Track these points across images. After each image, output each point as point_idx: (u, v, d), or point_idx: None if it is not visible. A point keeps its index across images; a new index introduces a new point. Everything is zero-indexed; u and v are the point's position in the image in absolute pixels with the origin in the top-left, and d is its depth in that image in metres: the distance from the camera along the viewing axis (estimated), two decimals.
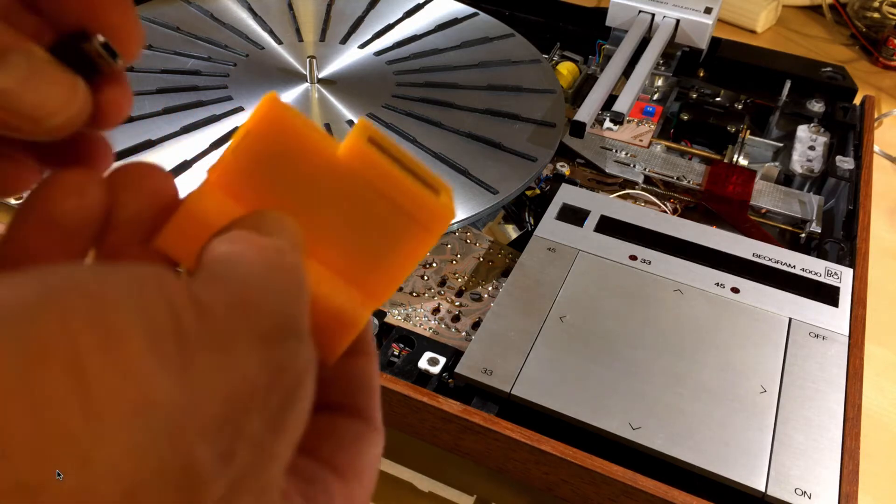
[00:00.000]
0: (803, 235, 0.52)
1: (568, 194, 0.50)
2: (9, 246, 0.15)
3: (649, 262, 0.45)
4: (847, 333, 0.42)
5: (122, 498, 0.10)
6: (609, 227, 0.48)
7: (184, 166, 0.51)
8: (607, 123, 0.60)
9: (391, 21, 0.69)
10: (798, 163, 0.57)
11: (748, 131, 0.59)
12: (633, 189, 0.55)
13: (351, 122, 0.57)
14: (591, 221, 0.48)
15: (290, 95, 0.59)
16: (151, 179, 0.16)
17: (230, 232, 0.15)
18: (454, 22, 0.70)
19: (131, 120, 0.54)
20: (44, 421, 0.10)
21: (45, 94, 0.15)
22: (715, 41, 0.67)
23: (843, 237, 0.50)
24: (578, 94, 0.65)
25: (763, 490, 0.35)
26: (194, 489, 0.11)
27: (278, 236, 0.15)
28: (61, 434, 0.10)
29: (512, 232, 0.53)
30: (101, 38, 0.16)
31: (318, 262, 0.17)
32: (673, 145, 0.59)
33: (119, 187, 0.16)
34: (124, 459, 0.10)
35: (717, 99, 0.63)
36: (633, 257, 0.46)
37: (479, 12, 0.71)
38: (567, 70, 0.66)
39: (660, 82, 0.65)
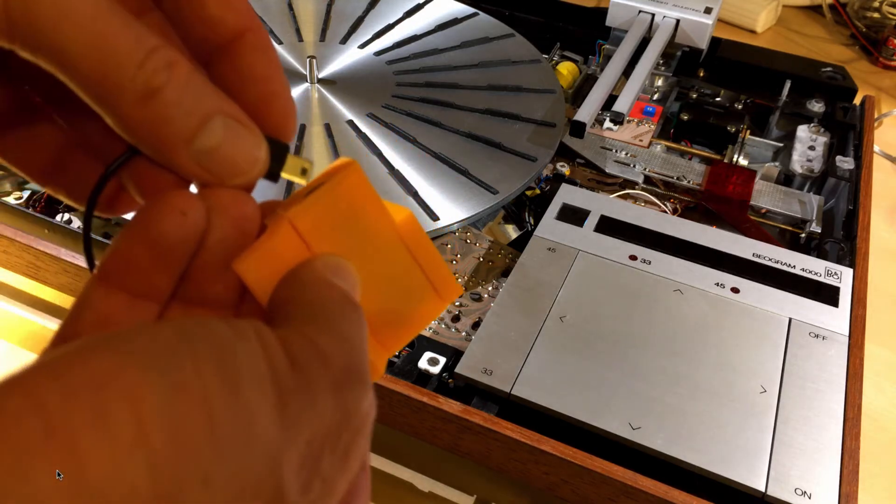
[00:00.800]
0: (803, 235, 0.52)
1: (568, 194, 0.50)
2: (113, 259, 0.17)
3: (649, 262, 0.45)
4: (847, 333, 0.42)
5: None
6: (609, 227, 0.48)
7: None
8: (607, 123, 0.60)
9: (391, 21, 0.69)
10: (798, 163, 0.57)
11: (748, 131, 0.59)
12: (633, 189, 0.55)
13: (351, 122, 0.57)
14: (591, 221, 0.48)
15: None
16: (242, 206, 0.18)
17: (309, 275, 0.17)
18: (454, 22, 0.70)
19: None
20: (180, 445, 0.12)
21: (236, 158, 0.17)
22: (715, 41, 0.67)
23: (843, 237, 0.50)
24: (578, 94, 0.65)
25: (763, 490, 0.35)
26: None
27: (344, 281, 0.17)
28: (193, 455, 0.12)
29: (512, 232, 0.53)
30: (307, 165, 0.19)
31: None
32: (673, 145, 0.59)
33: (217, 216, 0.17)
34: (234, 481, 0.12)
35: (717, 99, 0.63)
36: (633, 257, 0.46)
37: (479, 12, 0.71)
38: (567, 70, 0.66)
39: (660, 82, 0.65)
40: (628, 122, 0.61)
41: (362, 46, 0.66)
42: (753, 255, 0.46)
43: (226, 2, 0.18)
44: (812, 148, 0.58)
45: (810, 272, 0.46)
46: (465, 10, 0.71)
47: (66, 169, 0.20)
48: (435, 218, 0.49)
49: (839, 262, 0.48)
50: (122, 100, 0.16)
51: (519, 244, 0.50)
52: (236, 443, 0.13)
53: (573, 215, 0.49)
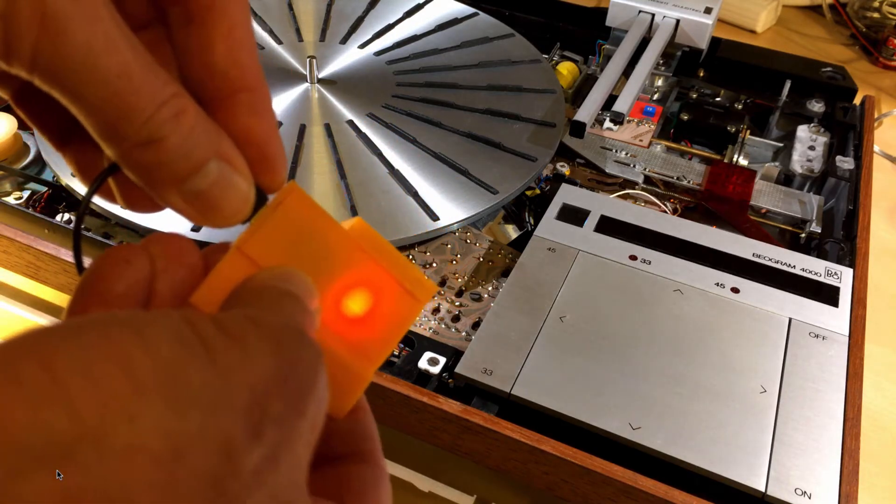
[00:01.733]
0: (803, 235, 0.52)
1: (568, 194, 0.50)
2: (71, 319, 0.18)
3: (649, 262, 0.45)
4: (847, 333, 0.42)
5: (171, 453, 0.13)
6: (609, 227, 0.48)
7: None
8: (607, 123, 0.60)
9: (391, 21, 0.69)
10: (798, 163, 0.57)
11: (748, 131, 0.59)
12: (633, 189, 0.55)
13: (351, 122, 0.57)
14: (591, 221, 0.48)
15: (290, 95, 0.59)
16: (187, 255, 0.19)
17: (251, 282, 0.18)
18: (454, 22, 0.70)
19: None
20: (98, 392, 0.13)
21: (223, 203, 0.18)
22: (715, 41, 0.67)
23: (843, 237, 0.50)
24: (578, 94, 0.65)
25: (763, 490, 0.35)
26: (231, 456, 0.14)
27: (294, 286, 0.18)
28: (114, 399, 0.13)
29: (512, 232, 0.53)
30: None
31: (325, 326, 0.20)
32: (673, 145, 0.59)
33: (160, 260, 0.18)
34: (167, 421, 0.13)
35: (717, 99, 0.63)
36: (633, 257, 0.46)
37: (479, 12, 0.71)
38: (567, 70, 0.66)
39: (660, 82, 0.65)
40: (628, 122, 0.61)
41: (362, 46, 0.66)
42: (753, 255, 0.46)
43: (234, 57, 0.19)
44: (812, 148, 0.58)
45: (810, 272, 0.46)
46: (465, 10, 0.71)
47: (76, 142, 0.20)
48: (435, 218, 0.49)
49: (839, 262, 0.48)
50: (126, 143, 0.17)
51: (519, 244, 0.50)
52: (163, 389, 0.13)
53: (573, 215, 0.49)
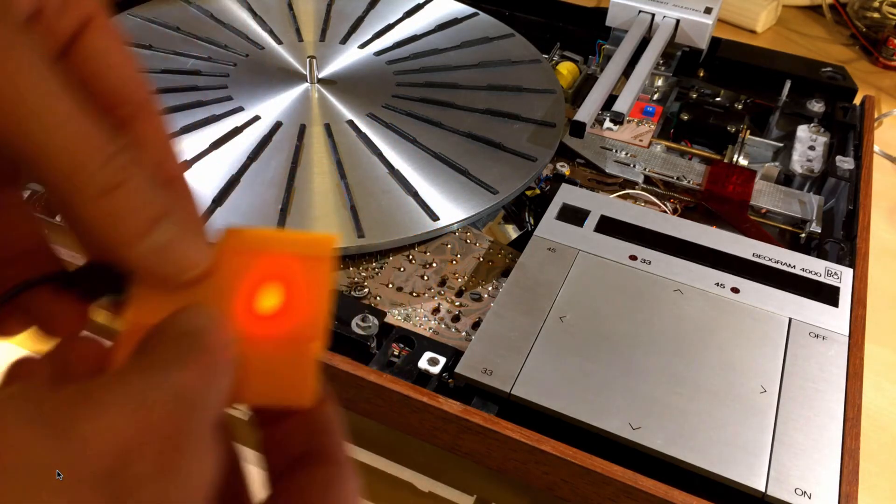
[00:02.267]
0: (803, 235, 0.52)
1: (568, 194, 0.50)
2: None
3: (649, 262, 0.45)
4: (847, 333, 0.42)
5: None
6: (609, 227, 0.48)
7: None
8: (607, 123, 0.60)
9: (391, 21, 0.69)
10: (798, 163, 0.57)
11: (748, 131, 0.59)
12: (633, 189, 0.55)
13: (351, 122, 0.57)
14: (591, 221, 0.48)
15: (290, 95, 0.59)
16: (92, 357, 0.19)
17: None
18: (454, 22, 0.70)
19: None
20: None
21: (183, 258, 0.18)
22: (715, 41, 0.67)
23: (843, 237, 0.50)
24: (578, 94, 0.65)
25: (763, 490, 0.35)
26: None
27: (199, 317, 0.18)
28: None
29: (512, 232, 0.53)
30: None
31: (250, 338, 0.19)
32: (673, 145, 0.59)
33: (67, 364, 0.18)
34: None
35: (717, 99, 0.63)
36: (633, 257, 0.46)
37: (479, 12, 0.71)
38: (567, 70, 0.66)
39: (660, 82, 0.65)
40: (628, 122, 0.61)
41: (362, 46, 0.66)
42: (753, 255, 0.46)
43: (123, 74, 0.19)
44: (812, 148, 0.58)
45: (810, 272, 0.46)
46: (465, 10, 0.71)
47: None
48: (435, 218, 0.49)
49: (839, 262, 0.48)
50: (84, 195, 0.17)
51: (519, 244, 0.50)
52: (15, 473, 0.13)
53: (573, 215, 0.49)
